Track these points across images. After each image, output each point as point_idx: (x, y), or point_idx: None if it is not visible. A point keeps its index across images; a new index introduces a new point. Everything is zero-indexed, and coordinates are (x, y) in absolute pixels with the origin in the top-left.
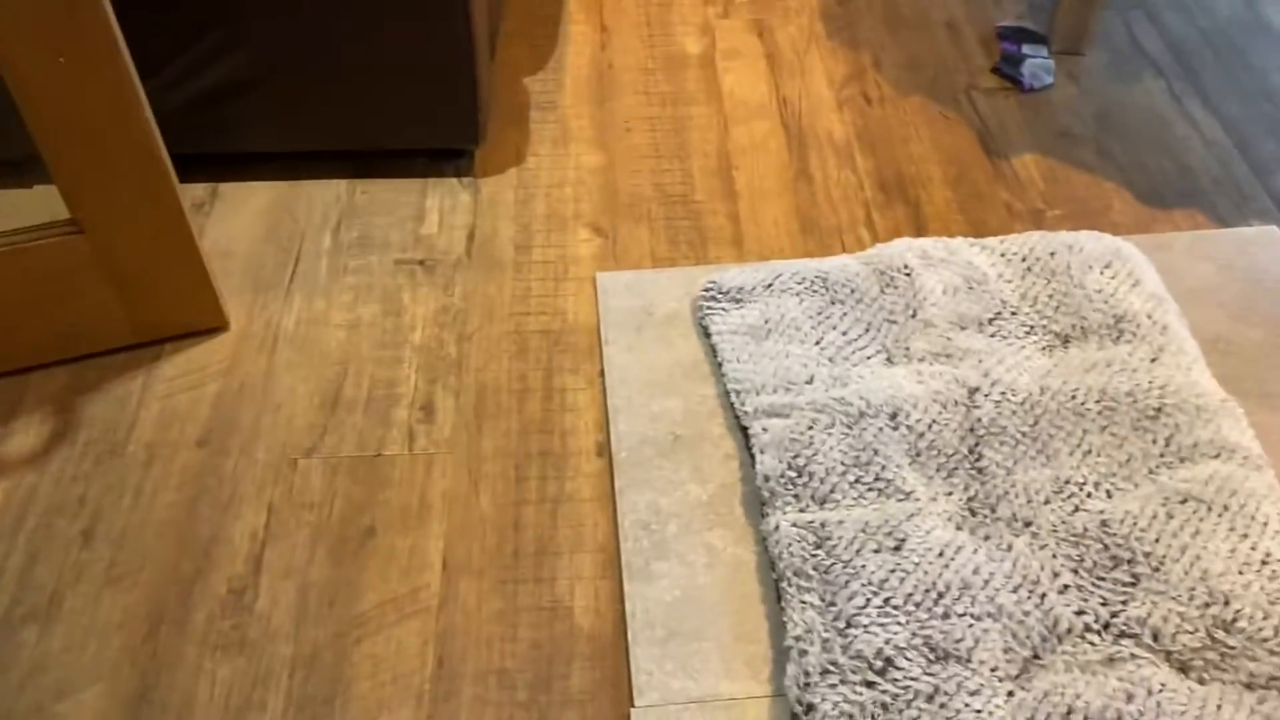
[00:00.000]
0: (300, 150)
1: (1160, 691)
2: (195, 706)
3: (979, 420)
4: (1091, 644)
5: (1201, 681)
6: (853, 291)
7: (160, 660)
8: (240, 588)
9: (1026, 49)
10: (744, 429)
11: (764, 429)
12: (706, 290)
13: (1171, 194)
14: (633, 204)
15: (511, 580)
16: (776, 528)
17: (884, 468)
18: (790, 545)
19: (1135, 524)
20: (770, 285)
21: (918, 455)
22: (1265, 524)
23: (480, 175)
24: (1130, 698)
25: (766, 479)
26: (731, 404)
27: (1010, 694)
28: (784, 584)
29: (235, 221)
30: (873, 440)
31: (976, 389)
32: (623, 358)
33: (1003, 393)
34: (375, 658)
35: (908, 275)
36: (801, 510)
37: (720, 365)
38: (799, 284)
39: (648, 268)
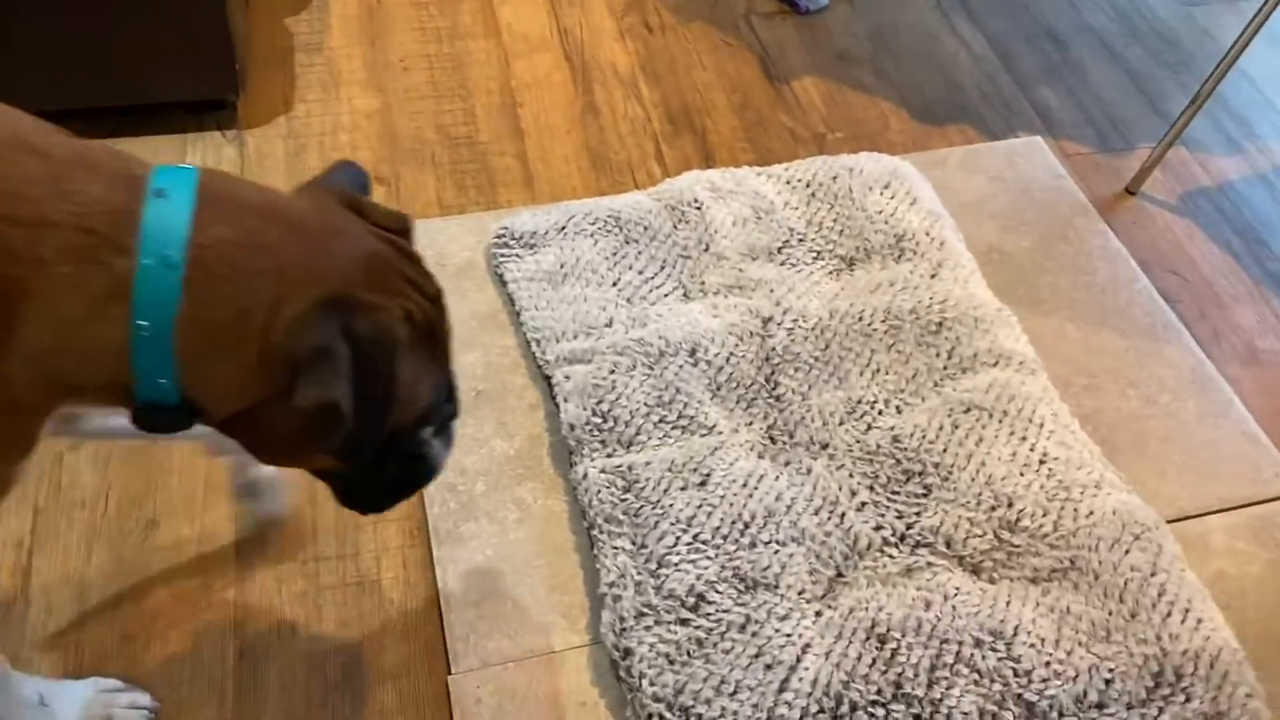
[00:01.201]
0: (38, 110)
1: (955, 595)
2: None
3: (774, 349)
4: (890, 556)
5: (992, 581)
6: (646, 229)
7: None
8: (8, 600)
9: None
10: (547, 378)
11: (566, 377)
12: (499, 237)
13: (943, 110)
14: (415, 148)
15: (312, 559)
16: (585, 475)
17: (686, 405)
18: (599, 491)
19: (924, 437)
20: (564, 228)
21: (718, 389)
22: (1041, 425)
23: (245, 126)
24: (928, 605)
25: (572, 427)
26: (533, 353)
27: (818, 614)
28: (595, 531)
29: None
30: (674, 379)
31: (770, 318)
32: None
33: (794, 320)
34: (170, 658)
35: (698, 209)
36: (609, 455)
37: (519, 314)
38: (592, 225)
39: (436, 216)
